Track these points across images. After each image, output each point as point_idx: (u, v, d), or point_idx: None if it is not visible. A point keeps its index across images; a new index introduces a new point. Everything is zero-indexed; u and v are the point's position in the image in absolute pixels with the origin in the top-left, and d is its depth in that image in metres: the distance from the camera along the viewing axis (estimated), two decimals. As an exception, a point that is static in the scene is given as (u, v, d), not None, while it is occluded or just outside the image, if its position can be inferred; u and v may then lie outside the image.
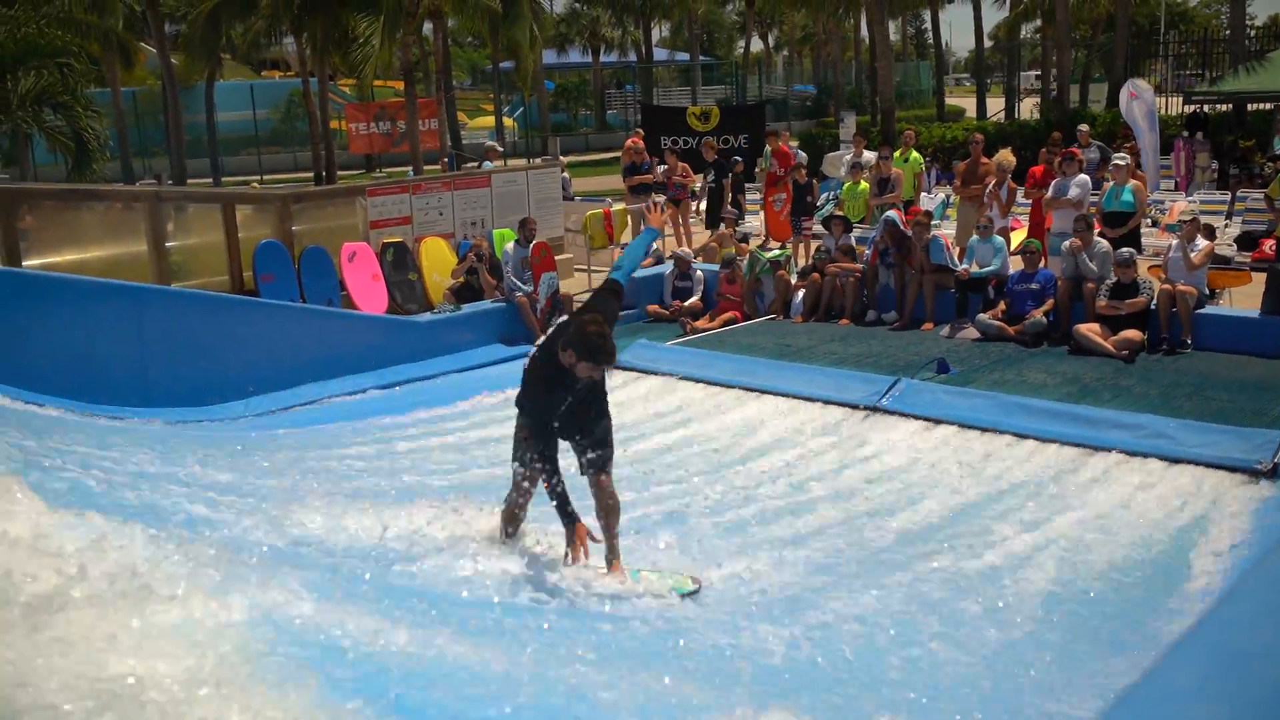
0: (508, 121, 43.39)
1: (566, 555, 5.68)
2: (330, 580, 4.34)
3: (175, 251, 12.91)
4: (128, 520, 4.08)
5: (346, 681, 3.14)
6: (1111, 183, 12.24)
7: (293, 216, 13.03)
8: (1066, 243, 10.91)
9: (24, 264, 11.53)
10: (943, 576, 6.28)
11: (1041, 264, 11.14)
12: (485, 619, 4.62)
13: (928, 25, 61.41)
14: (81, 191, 13.83)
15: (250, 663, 2.98)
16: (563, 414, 5.61)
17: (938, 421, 8.75)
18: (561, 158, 16.17)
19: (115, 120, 32.78)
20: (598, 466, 5.78)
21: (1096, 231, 11.17)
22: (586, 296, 14.07)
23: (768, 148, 17.78)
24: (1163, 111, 24.52)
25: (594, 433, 5.79)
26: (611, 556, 5.84)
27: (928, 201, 17.56)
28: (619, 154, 18.93)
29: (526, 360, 5.77)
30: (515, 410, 5.93)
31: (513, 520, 5.91)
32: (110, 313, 9.41)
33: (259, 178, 35.02)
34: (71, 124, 17.44)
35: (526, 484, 5.78)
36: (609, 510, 5.83)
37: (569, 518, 5.57)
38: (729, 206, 16.73)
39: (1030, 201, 13.96)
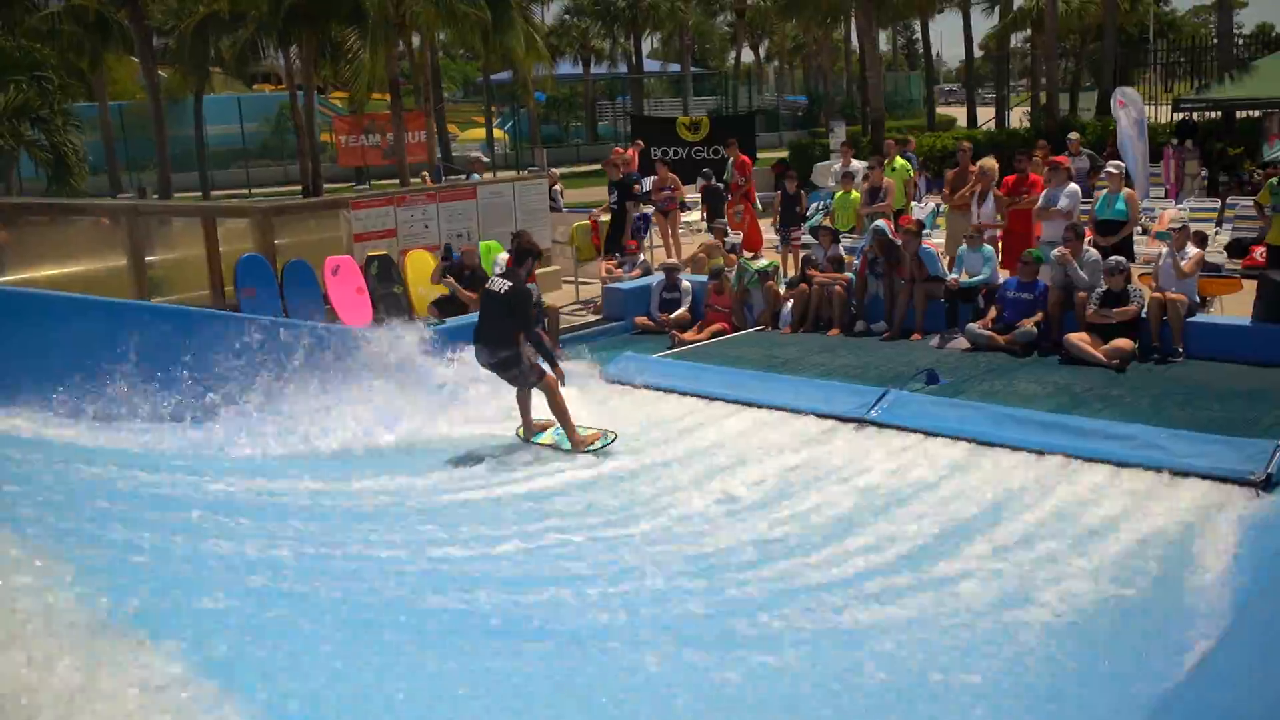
0: (499, 133, 43.27)
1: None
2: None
3: (155, 266, 12.76)
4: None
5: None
6: (1105, 190, 12.14)
7: (275, 229, 12.89)
8: (1055, 251, 10.79)
9: (1, 279, 11.40)
10: (934, 592, 6.15)
11: (1031, 273, 11.01)
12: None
13: (918, 35, 61.53)
14: (59, 206, 13.68)
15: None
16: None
17: (927, 433, 8.61)
18: (554, 170, 15.92)
19: (102, 134, 32.65)
20: (539, 375, 8.78)
21: (1089, 240, 11.05)
22: (574, 308, 14.00)
23: (729, 158, 17.62)
24: (1152, 119, 24.46)
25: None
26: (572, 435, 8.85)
27: (919, 210, 17.45)
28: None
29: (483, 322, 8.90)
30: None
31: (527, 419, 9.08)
32: (86, 328, 9.22)
33: (248, 191, 34.91)
34: (50, 138, 17.26)
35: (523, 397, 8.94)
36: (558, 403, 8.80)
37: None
38: (718, 220, 16.59)
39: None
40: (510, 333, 8.69)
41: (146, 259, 12.47)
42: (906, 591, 6.21)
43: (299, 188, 33.24)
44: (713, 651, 5.33)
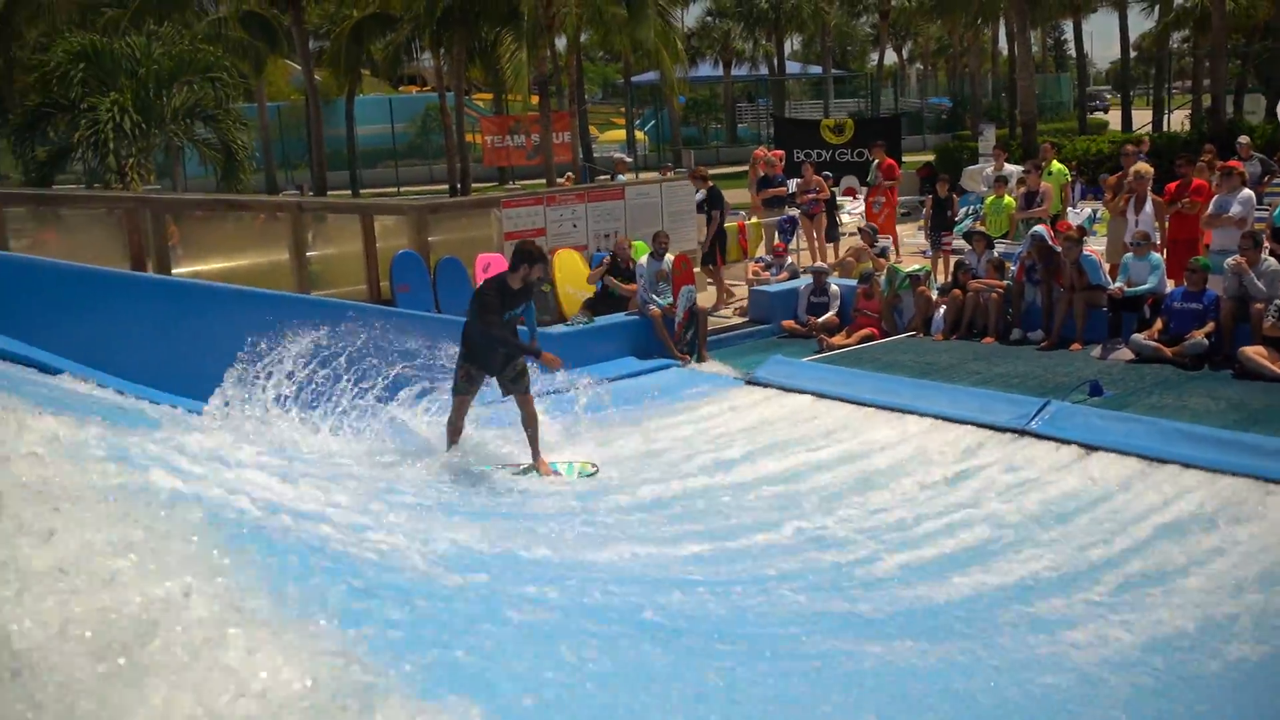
0: (639, 135, 43.53)
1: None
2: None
3: (315, 260, 13.14)
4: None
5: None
6: (1283, 197, 11.57)
7: (429, 227, 13.14)
8: (1230, 260, 10.31)
9: (173, 271, 11.86)
10: (1102, 619, 5.89)
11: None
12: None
13: (1067, 36, 59.82)
14: (228, 201, 14.22)
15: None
16: (490, 353, 7.86)
17: (1092, 447, 8.28)
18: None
19: (260, 133, 33.90)
20: (522, 388, 8.10)
21: (1267, 249, 10.52)
22: (711, 306, 13.94)
23: (874, 161, 17.44)
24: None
25: (515, 365, 8.04)
26: (536, 457, 8.16)
27: (1074, 216, 16.93)
28: (748, 168, 18.78)
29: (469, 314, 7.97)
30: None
31: (456, 434, 8.09)
32: (251, 320, 9.52)
33: (396, 189, 35.83)
34: (221, 137, 18.01)
35: (466, 408, 8.07)
36: (531, 420, 8.15)
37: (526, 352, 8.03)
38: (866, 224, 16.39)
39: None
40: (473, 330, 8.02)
41: (307, 254, 12.83)
42: (1068, 618, 5.92)
43: (444, 187, 33.99)
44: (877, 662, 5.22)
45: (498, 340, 7.83)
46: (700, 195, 14.92)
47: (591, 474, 8.26)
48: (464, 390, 8.03)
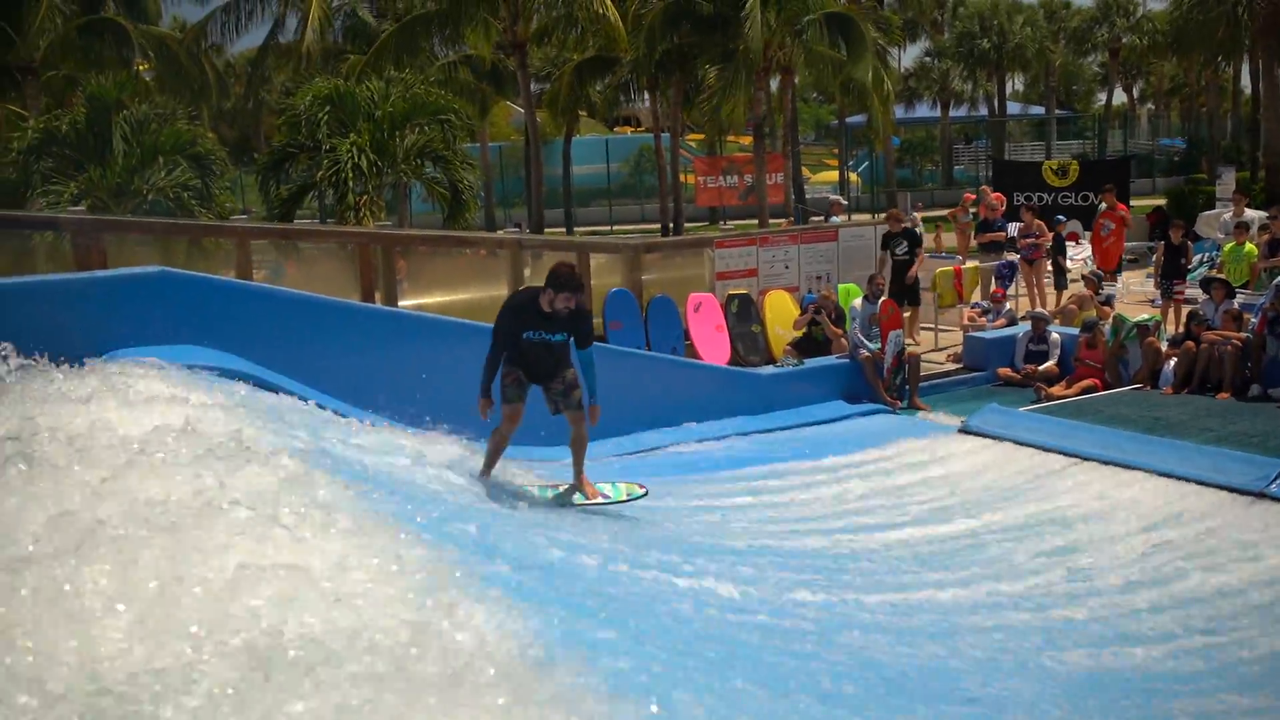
0: (852, 176, 43.18)
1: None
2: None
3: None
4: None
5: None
6: None
7: (643, 266, 13.36)
8: None
9: (400, 303, 12.44)
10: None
11: None
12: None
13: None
14: (452, 238, 14.83)
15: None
16: (536, 363, 7.18)
17: (1340, 514, 7.71)
18: (916, 214, 15.62)
19: (482, 173, 35.30)
20: (574, 404, 7.29)
21: None
22: (928, 354, 13.61)
23: (1102, 205, 16.88)
24: None
25: (565, 378, 7.26)
26: (578, 477, 7.51)
27: (1322, 266, 15.82)
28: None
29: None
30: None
31: (498, 452, 7.38)
32: (467, 352, 9.82)
33: (609, 228, 36.62)
34: (449, 176, 18.84)
35: (518, 419, 7.26)
36: (580, 441, 7.43)
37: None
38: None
39: None
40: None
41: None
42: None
43: (656, 226, 34.49)
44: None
45: (486, 368, 7.17)
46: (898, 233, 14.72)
47: (642, 495, 7.66)
48: (515, 398, 7.26)
